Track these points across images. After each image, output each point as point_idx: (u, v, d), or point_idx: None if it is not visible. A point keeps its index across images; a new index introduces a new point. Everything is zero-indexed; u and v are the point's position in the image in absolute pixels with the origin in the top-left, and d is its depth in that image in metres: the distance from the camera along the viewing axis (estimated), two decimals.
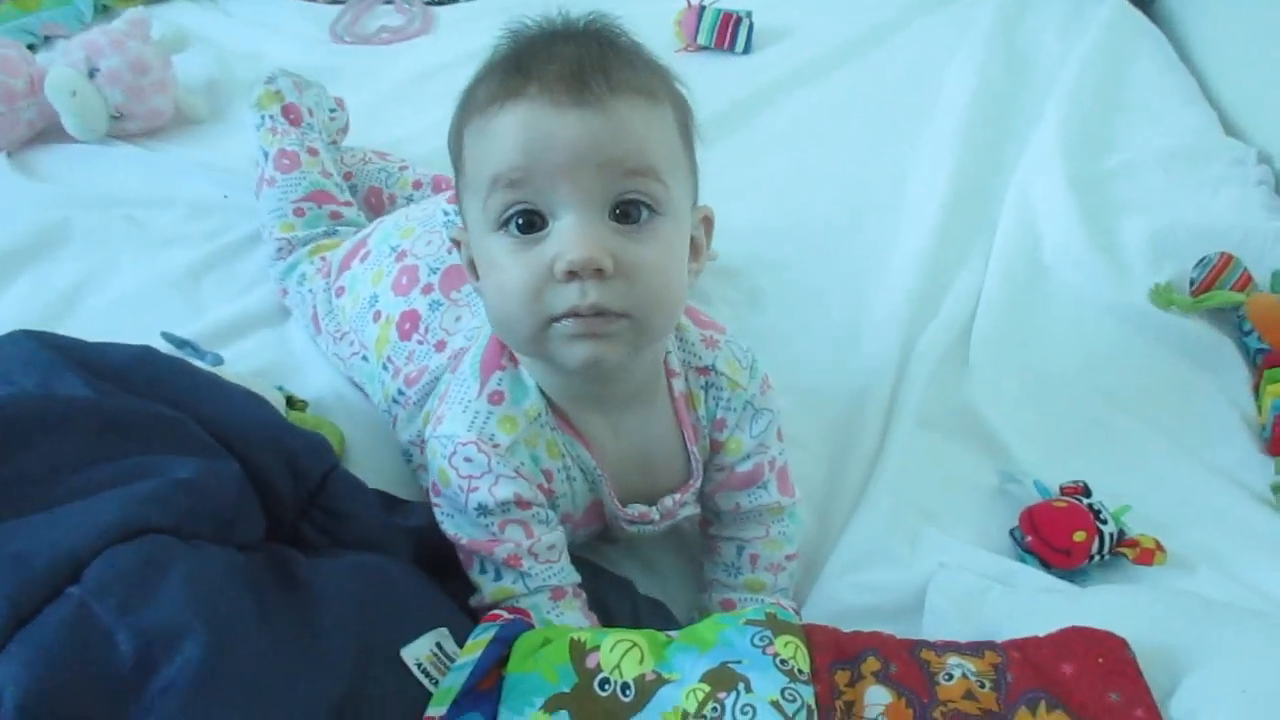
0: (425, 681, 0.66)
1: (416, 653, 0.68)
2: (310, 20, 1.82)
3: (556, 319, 0.69)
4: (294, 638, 0.61)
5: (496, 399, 0.79)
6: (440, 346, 0.93)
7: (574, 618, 0.81)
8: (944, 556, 0.93)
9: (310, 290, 1.11)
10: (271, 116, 1.27)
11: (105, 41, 1.43)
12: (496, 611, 0.75)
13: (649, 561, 0.96)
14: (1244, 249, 1.30)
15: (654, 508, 0.86)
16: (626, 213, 0.70)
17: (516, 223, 0.70)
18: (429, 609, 0.73)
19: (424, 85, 1.64)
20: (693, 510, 0.91)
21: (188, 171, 1.42)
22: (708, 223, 0.80)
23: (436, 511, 0.82)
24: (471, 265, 0.78)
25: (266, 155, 1.24)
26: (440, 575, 0.81)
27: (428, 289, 0.96)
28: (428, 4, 1.87)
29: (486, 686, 0.67)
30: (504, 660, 0.69)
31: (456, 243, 0.81)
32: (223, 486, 0.70)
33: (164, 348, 1.04)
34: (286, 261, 1.16)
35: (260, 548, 0.72)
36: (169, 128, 1.51)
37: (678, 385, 0.83)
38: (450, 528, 0.82)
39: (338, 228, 1.18)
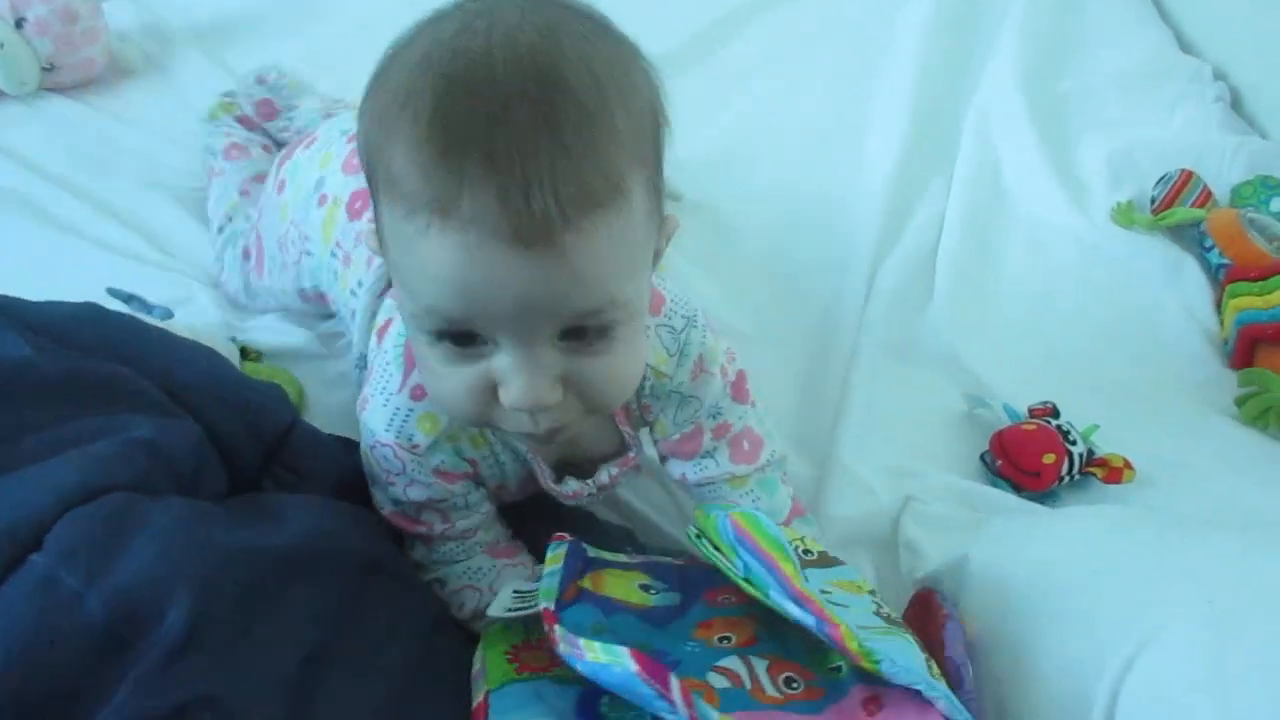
0: (522, 613, 0.66)
1: (502, 605, 0.67)
2: None
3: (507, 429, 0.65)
4: (281, 549, 0.60)
5: (419, 394, 0.73)
6: None
7: (480, 561, 0.81)
8: (914, 485, 0.93)
9: (241, 232, 1.08)
10: (226, 123, 1.26)
11: None
12: (559, 534, 0.74)
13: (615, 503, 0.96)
14: (1202, 166, 1.32)
15: (589, 481, 0.81)
16: (579, 333, 0.60)
17: (453, 338, 0.61)
18: (393, 557, 0.72)
19: (368, 29, 1.57)
20: (633, 480, 0.87)
21: (125, 124, 1.37)
22: (670, 227, 0.70)
23: (367, 473, 0.80)
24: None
25: (215, 152, 1.22)
26: None
27: None
28: None
29: (569, 598, 0.66)
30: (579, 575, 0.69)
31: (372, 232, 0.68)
32: (182, 444, 0.68)
33: (111, 304, 1.00)
34: (222, 235, 1.13)
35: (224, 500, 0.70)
36: (103, 78, 1.44)
37: None
38: (375, 494, 0.80)
39: None
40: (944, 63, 1.52)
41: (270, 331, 1.07)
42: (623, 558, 0.77)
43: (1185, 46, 1.58)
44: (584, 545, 0.74)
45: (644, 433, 0.84)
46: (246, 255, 1.08)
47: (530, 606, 0.66)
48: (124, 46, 1.47)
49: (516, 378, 0.59)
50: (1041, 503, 0.94)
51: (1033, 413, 1.00)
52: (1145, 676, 0.63)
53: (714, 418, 0.82)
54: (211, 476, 0.71)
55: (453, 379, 0.62)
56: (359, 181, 0.88)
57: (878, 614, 0.68)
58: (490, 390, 0.61)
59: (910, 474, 0.95)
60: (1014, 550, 0.80)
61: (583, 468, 0.82)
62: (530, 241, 0.54)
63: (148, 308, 1.00)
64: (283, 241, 1.00)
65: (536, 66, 0.55)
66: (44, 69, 1.38)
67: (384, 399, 0.74)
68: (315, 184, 0.95)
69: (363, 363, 0.88)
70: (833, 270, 1.19)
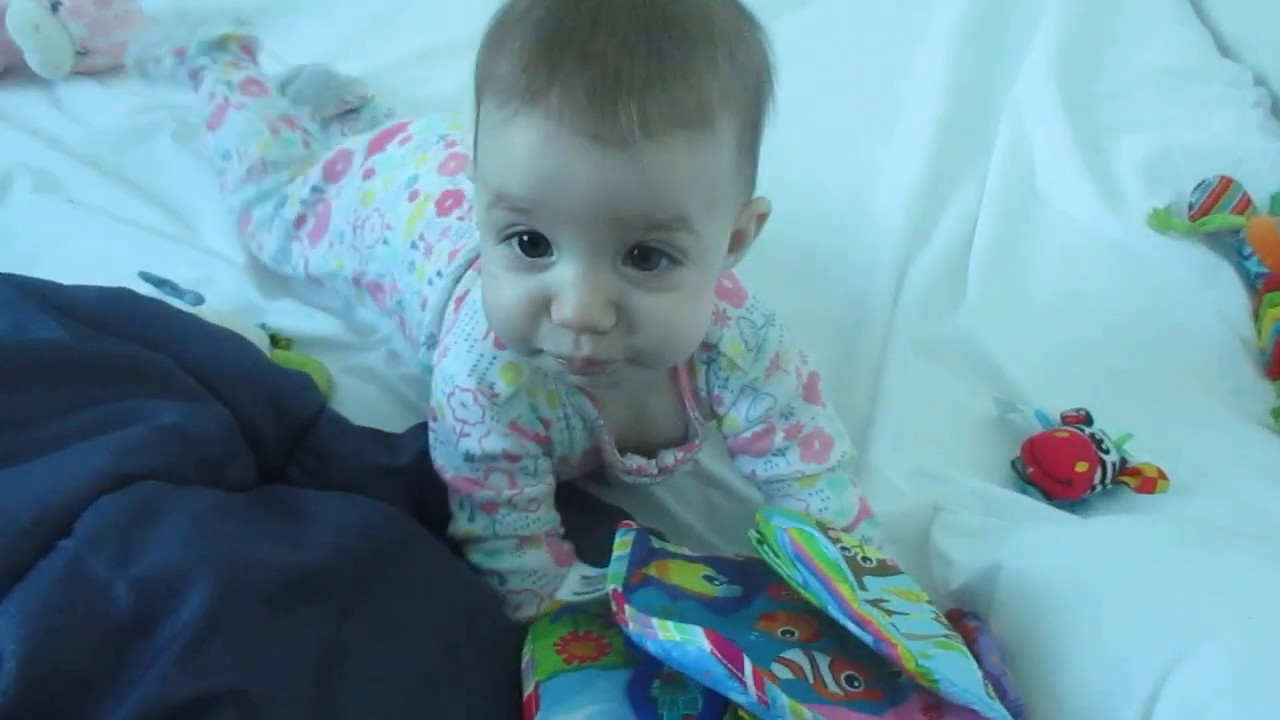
0: (590, 596, 0.70)
1: (570, 589, 0.71)
2: None
3: (543, 352, 0.65)
4: (296, 566, 0.60)
5: (502, 343, 0.75)
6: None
7: (535, 556, 0.80)
8: (944, 490, 0.93)
9: (299, 198, 1.07)
10: (231, 52, 1.24)
11: None
12: (627, 521, 0.76)
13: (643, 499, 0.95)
14: (1240, 171, 1.30)
15: (652, 461, 0.83)
16: (645, 256, 0.61)
17: (520, 239, 0.62)
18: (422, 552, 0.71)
19: (400, 13, 1.59)
20: (692, 468, 0.88)
21: (154, 107, 1.37)
22: (761, 218, 0.71)
23: (430, 436, 0.80)
24: None
25: (230, 84, 1.19)
26: (430, 516, 0.79)
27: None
28: None
29: (635, 582, 0.68)
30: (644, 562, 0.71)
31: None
32: (210, 430, 0.68)
33: (142, 288, 1.01)
34: (259, 186, 1.11)
35: (252, 490, 0.70)
36: None
37: None
38: (439, 457, 0.80)
39: (311, 154, 1.13)
40: (977, 59, 1.51)
41: (299, 318, 1.07)
42: (685, 550, 0.78)
43: (1224, 50, 1.56)
44: (649, 535, 0.74)
45: (711, 427, 0.84)
46: (300, 223, 1.06)
47: (598, 590, 0.67)
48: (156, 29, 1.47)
49: (572, 290, 0.60)
50: (1073, 511, 0.93)
51: (1065, 419, 0.99)
52: (1181, 688, 0.63)
53: (786, 418, 0.81)
54: (239, 463, 0.71)
55: (511, 288, 0.63)
56: (453, 183, 0.92)
57: (937, 620, 0.68)
58: (543, 304, 0.63)
59: (940, 479, 0.95)
60: (1046, 558, 0.79)
61: (646, 451, 0.83)
62: (609, 141, 0.56)
63: (179, 293, 1.00)
64: (359, 224, 0.99)
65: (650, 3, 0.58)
66: (78, 53, 1.38)
67: (468, 345, 0.76)
68: (409, 180, 0.96)
69: (432, 341, 0.89)
70: (862, 267, 1.18)
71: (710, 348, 0.78)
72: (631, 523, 0.75)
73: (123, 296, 0.80)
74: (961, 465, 0.98)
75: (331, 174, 1.06)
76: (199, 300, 1.00)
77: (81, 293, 0.79)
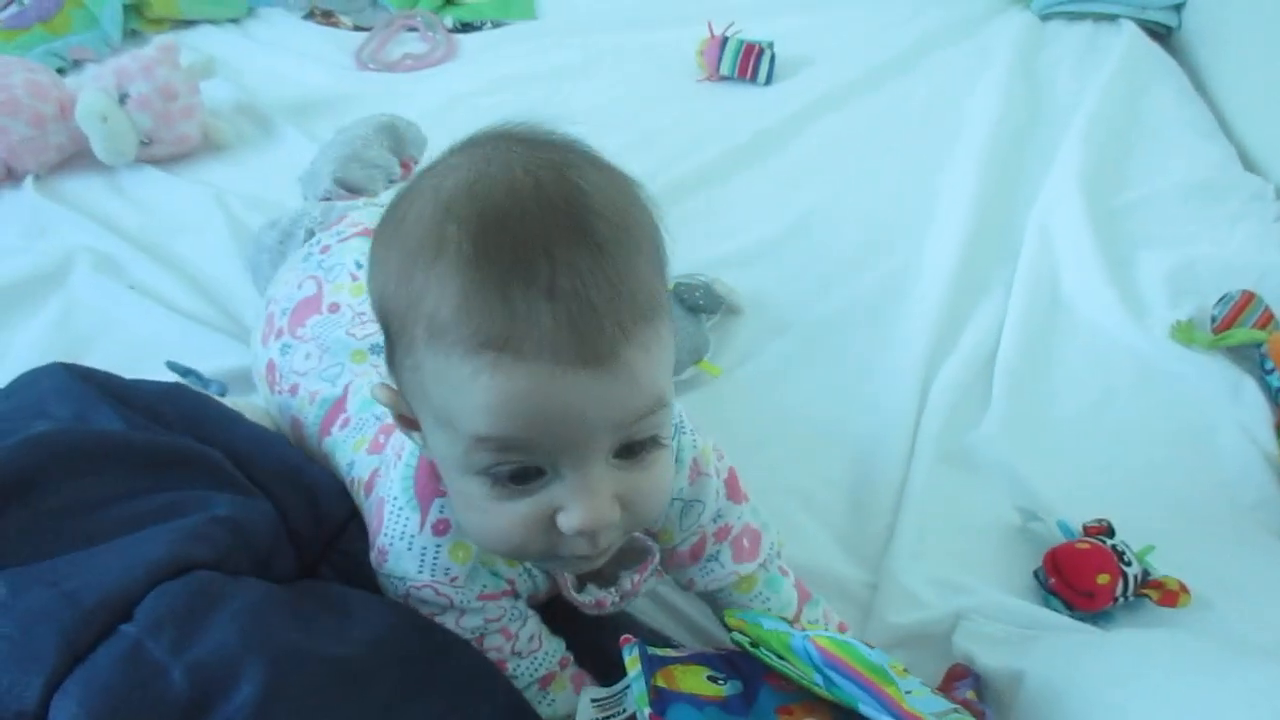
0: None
1: (587, 716, 0.70)
2: (335, 46, 1.84)
3: (560, 557, 0.65)
4: (343, 661, 0.62)
5: (442, 529, 0.72)
6: (294, 390, 0.90)
7: (564, 698, 0.81)
8: (967, 600, 0.94)
9: None
10: None
11: (135, 67, 1.45)
12: (626, 636, 0.75)
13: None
14: (1262, 285, 1.31)
15: (612, 589, 0.80)
16: (631, 450, 0.62)
17: (511, 476, 0.61)
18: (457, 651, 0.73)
19: (447, 113, 1.65)
20: (654, 586, 0.87)
21: (214, 197, 1.43)
22: None
23: None
24: (405, 420, 0.68)
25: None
26: None
27: (280, 333, 0.94)
28: (451, 32, 1.89)
29: (654, 698, 0.68)
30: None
31: (387, 389, 0.68)
32: (258, 524, 0.71)
33: (169, 375, 1.04)
34: None
35: (292, 584, 0.72)
36: (196, 153, 1.52)
37: None
38: None
39: None
40: (1004, 170, 1.54)
41: None
42: (671, 651, 0.79)
43: (1248, 164, 1.58)
44: (645, 643, 0.75)
45: None
46: None
47: (618, 713, 0.68)
48: (218, 123, 1.54)
49: (580, 501, 0.60)
50: (1095, 624, 0.93)
51: (1087, 530, 1.00)
52: None
53: (715, 521, 0.82)
54: (283, 557, 0.73)
55: (507, 514, 0.62)
56: (268, 354, 0.94)
57: (933, 692, 0.70)
58: (549, 519, 0.62)
59: (963, 588, 0.95)
60: (1070, 671, 0.80)
61: (602, 575, 0.81)
62: (597, 361, 0.56)
63: (204, 382, 1.03)
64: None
65: (564, 198, 0.58)
66: (142, 142, 1.45)
67: (406, 543, 0.73)
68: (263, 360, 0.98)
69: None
70: (887, 376, 1.21)
71: None
72: (630, 636, 0.74)
73: (176, 391, 0.85)
74: (984, 575, 0.98)
75: None
76: (223, 390, 1.03)
77: (140, 386, 0.83)
